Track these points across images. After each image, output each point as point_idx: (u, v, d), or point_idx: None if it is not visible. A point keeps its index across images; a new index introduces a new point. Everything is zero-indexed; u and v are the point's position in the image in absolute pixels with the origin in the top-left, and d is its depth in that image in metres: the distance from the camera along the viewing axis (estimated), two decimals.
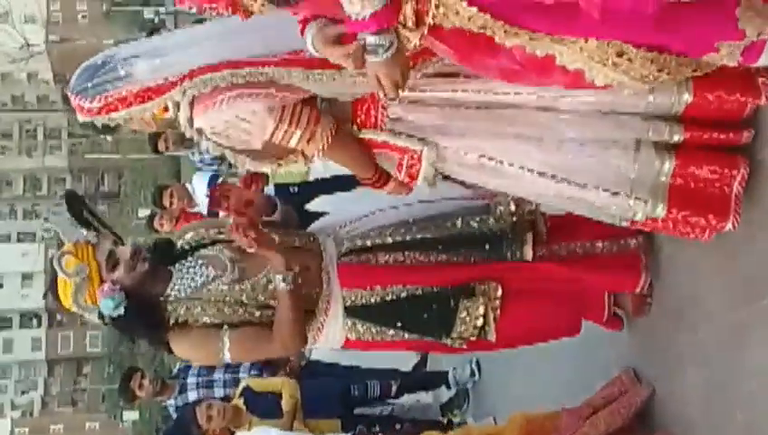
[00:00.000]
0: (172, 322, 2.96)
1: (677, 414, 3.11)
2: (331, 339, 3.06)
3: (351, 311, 3.02)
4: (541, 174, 2.65)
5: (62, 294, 2.95)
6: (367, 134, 2.74)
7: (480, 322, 3.00)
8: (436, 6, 2.17)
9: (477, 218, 3.08)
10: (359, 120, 2.74)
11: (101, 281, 2.91)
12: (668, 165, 2.58)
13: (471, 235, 3.06)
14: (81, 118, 2.70)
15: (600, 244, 3.09)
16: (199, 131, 2.67)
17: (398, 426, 5.68)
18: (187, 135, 2.71)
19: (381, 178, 2.87)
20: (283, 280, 2.88)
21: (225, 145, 2.70)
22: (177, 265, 3.04)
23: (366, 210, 3.21)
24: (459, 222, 3.08)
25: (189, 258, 3.04)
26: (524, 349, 3.66)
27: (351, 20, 2.11)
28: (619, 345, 3.47)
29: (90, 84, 2.61)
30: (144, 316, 2.94)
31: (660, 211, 2.60)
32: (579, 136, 2.62)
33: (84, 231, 3.00)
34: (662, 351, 3.21)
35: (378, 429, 5.14)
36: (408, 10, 2.17)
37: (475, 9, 2.15)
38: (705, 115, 2.56)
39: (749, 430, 2.68)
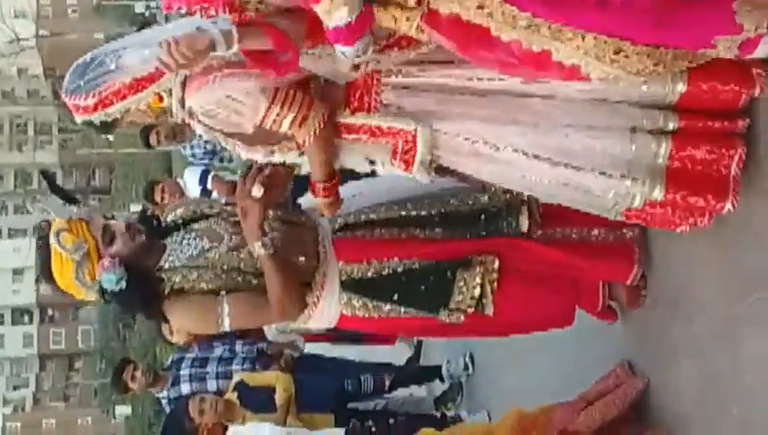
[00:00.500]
0: (168, 290, 2.94)
1: (672, 406, 3.12)
2: (326, 314, 3.04)
3: (347, 285, 3.02)
4: (536, 157, 2.63)
5: (57, 275, 2.92)
6: (360, 119, 2.72)
7: (477, 291, 2.99)
8: None
9: (471, 197, 3.09)
10: (351, 106, 2.73)
11: (99, 256, 2.90)
12: (665, 147, 2.57)
13: (466, 211, 3.08)
14: (78, 119, 2.68)
15: (595, 231, 3.10)
16: (191, 113, 2.65)
17: (391, 420, 5.66)
18: (179, 118, 2.68)
19: (331, 188, 2.87)
20: (262, 245, 2.86)
21: (216, 128, 2.67)
22: (169, 238, 3.03)
23: (358, 190, 3.20)
24: (454, 200, 3.10)
25: (181, 231, 3.04)
26: (518, 342, 3.67)
27: (330, 29, 2.14)
28: (614, 337, 3.47)
29: (81, 82, 2.59)
30: (142, 288, 2.91)
31: (658, 193, 2.58)
32: (574, 122, 2.61)
33: (75, 208, 2.97)
34: (656, 343, 3.21)
35: (371, 423, 5.13)
36: None
37: None
38: (699, 105, 2.56)
39: (744, 424, 2.68)
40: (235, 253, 2.96)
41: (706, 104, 2.55)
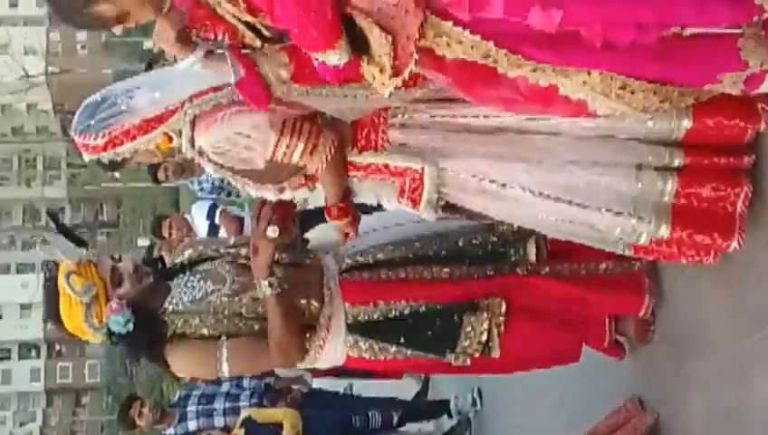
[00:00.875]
0: (170, 334, 2.94)
1: None
2: (332, 356, 3.03)
3: (353, 327, 3.00)
4: (542, 195, 2.63)
5: (66, 318, 2.92)
6: (367, 158, 2.74)
7: (484, 337, 2.98)
8: (438, 36, 2.18)
9: (480, 236, 3.10)
10: (359, 145, 2.74)
11: (108, 299, 2.90)
12: (671, 185, 2.57)
13: (474, 249, 3.08)
14: (86, 157, 2.69)
15: (603, 264, 3.08)
16: (200, 152, 2.67)
17: None
18: (188, 156, 2.70)
19: (347, 208, 2.86)
20: (269, 284, 2.85)
21: (226, 166, 2.69)
22: (175, 279, 3.03)
23: (366, 228, 3.21)
24: (461, 240, 3.10)
25: (187, 273, 3.04)
26: (527, 377, 3.66)
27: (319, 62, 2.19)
28: (622, 373, 3.45)
29: (92, 121, 2.60)
30: (148, 331, 2.92)
31: (664, 231, 2.58)
32: (579, 159, 2.61)
33: (83, 250, 2.98)
34: (665, 378, 3.19)
35: None
36: (386, 62, 2.20)
37: (478, 37, 2.16)
38: (705, 140, 2.56)
39: None
40: (236, 298, 2.96)
41: (712, 140, 2.55)
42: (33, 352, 51.53)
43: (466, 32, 2.15)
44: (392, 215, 3.29)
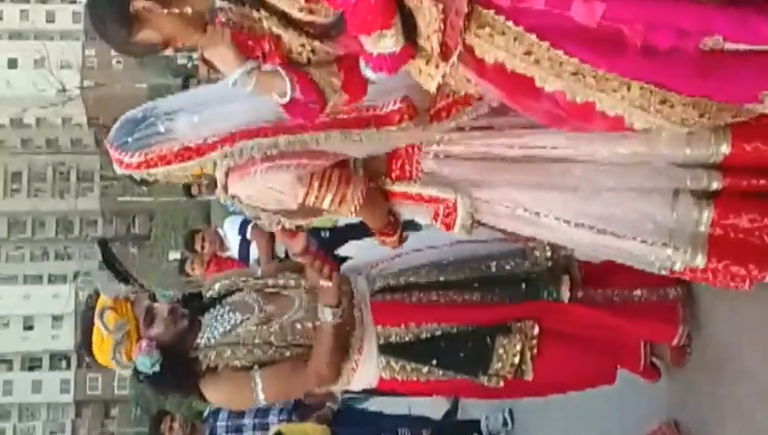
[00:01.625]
0: (203, 368, 2.95)
1: None
2: (365, 378, 3.03)
3: (386, 349, 3.01)
4: (577, 225, 2.63)
5: (96, 350, 2.95)
6: (401, 187, 2.75)
7: (517, 359, 2.98)
8: (481, 27, 2.16)
9: (512, 262, 3.08)
10: (393, 175, 2.75)
11: (139, 337, 2.91)
12: (707, 215, 2.56)
13: (506, 277, 3.06)
14: (119, 171, 2.71)
15: (638, 292, 3.06)
16: (233, 197, 2.68)
17: None
18: (222, 201, 2.73)
19: (392, 227, 2.88)
20: (332, 314, 2.87)
21: (260, 208, 2.72)
22: (206, 314, 3.04)
23: (398, 250, 3.20)
24: (494, 265, 3.08)
25: (218, 306, 3.05)
26: (559, 398, 3.63)
27: (373, 57, 2.17)
28: (658, 395, 3.42)
29: (130, 139, 2.61)
30: (175, 372, 2.93)
31: (700, 261, 2.57)
32: (615, 185, 2.60)
33: (122, 286, 3.00)
34: (702, 402, 3.16)
35: None
36: (435, 42, 2.17)
37: (521, 28, 2.14)
38: (743, 164, 2.54)
39: None
40: (265, 326, 2.97)
41: (751, 163, 2.53)
42: (64, 363, 51.91)
43: (509, 22, 2.13)
44: (424, 236, 3.29)
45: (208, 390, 2.97)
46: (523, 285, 3.03)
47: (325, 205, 2.67)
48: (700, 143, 2.51)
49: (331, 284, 2.86)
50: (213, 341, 2.96)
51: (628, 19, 2.08)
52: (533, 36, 2.14)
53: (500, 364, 2.98)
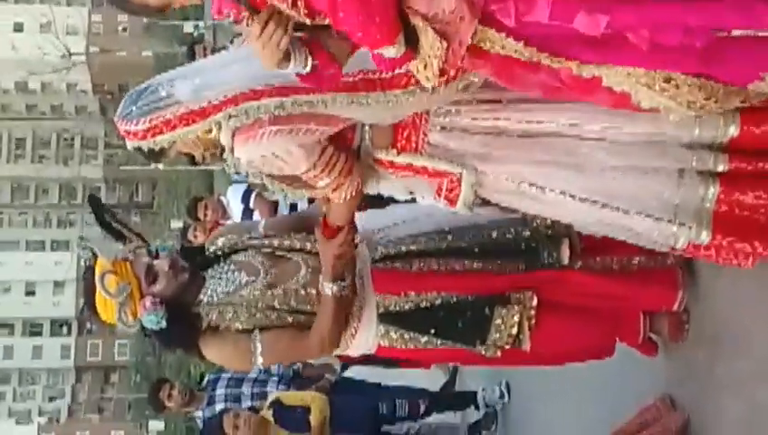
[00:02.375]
0: (204, 326, 2.96)
1: None
2: (363, 345, 3.05)
3: (385, 317, 3.01)
4: (582, 200, 2.62)
5: (101, 310, 2.95)
6: (406, 158, 2.73)
7: (515, 330, 2.98)
8: (481, 41, 2.17)
9: (513, 230, 3.08)
10: (399, 145, 2.73)
11: (141, 295, 2.91)
12: (712, 191, 2.55)
13: (507, 243, 3.07)
14: (130, 144, 2.71)
15: (636, 259, 3.06)
16: (238, 160, 2.68)
17: None
18: (228, 162, 2.70)
19: (347, 231, 2.89)
20: (338, 288, 2.89)
21: (263, 172, 2.71)
22: (210, 270, 3.04)
23: (398, 218, 3.21)
24: (495, 233, 3.09)
25: (222, 264, 3.05)
26: (556, 371, 3.64)
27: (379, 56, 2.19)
28: (654, 370, 3.43)
29: (134, 108, 2.61)
30: (181, 325, 2.94)
31: (705, 237, 2.57)
32: (620, 164, 2.60)
33: (120, 246, 2.99)
34: (698, 378, 3.17)
35: None
36: (435, 66, 2.19)
37: (521, 44, 2.15)
38: (750, 146, 2.53)
39: None
40: (270, 291, 2.97)
41: (757, 145, 2.53)
42: (65, 330, 52.18)
43: (510, 39, 2.14)
44: (423, 205, 3.28)
45: (207, 347, 2.98)
46: (523, 247, 3.05)
47: (320, 185, 2.67)
48: (709, 125, 2.51)
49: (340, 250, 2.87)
50: (215, 298, 2.97)
51: (633, 26, 2.08)
52: (534, 49, 2.16)
53: (497, 335, 2.99)
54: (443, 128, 2.70)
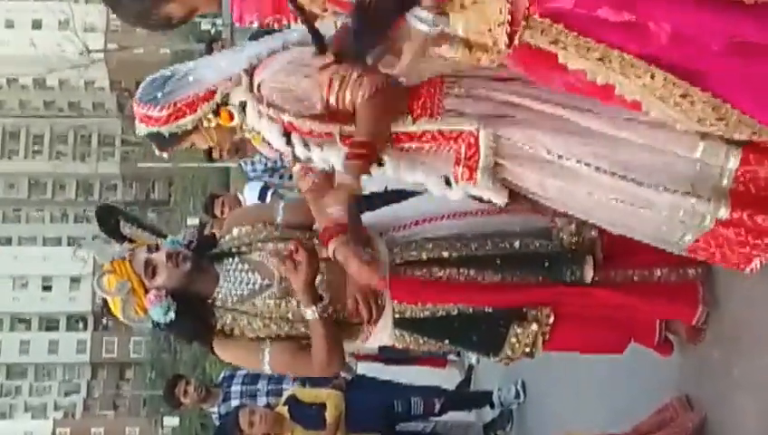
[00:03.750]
0: (218, 328, 2.98)
1: None
2: (377, 343, 3.09)
3: (400, 322, 3.01)
4: (598, 169, 2.52)
5: (114, 310, 2.98)
6: (421, 125, 2.64)
7: (528, 349, 3.01)
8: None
9: (537, 242, 3.02)
10: (414, 114, 2.65)
11: (146, 291, 2.92)
12: (731, 165, 2.44)
13: (529, 255, 3.01)
14: (143, 130, 2.73)
15: (657, 271, 3.01)
16: (260, 97, 2.64)
17: None
18: (250, 107, 2.66)
19: (372, 150, 2.69)
20: (314, 311, 2.87)
21: (285, 108, 2.65)
22: (223, 265, 3.03)
23: (422, 214, 3.15)
24: (518, 243, 3.01)
25: (236, 259, 3.03)
26: (572, 372, 3.65)
27: None
28: (671, 370, 3.42)
29: (159, 94, 2.64)
30: (193, 316, 2.95)
31: (724, 211, 2.46)
32: (637, 139, 2.52)
33: (117, 247, 3.00)
34: (715, 377, 3.16)
35: None
36: (504, 36, 2.16)
37: (548, 21, 2.13)
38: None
39: None
40: (284, 302, 2.96)
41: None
42: (81, 325, 52.41)
43: (535, 15, 2.13)
44: (442, 205, 3.25)
45: (219, 348, 3.01)
46: (546, 264, 2.98)
47: (349, 80, 2.55)
48: (712, 149, 2.44)
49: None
50: (229, 302, 2.97)
51: (657, 18, 2.07)
52: (561, 26, 2.14)
53: (510, 351, 3.01)
54: (458, 95, 2.65)
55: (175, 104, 2.62)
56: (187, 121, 2.66)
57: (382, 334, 3.02)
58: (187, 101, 2.63)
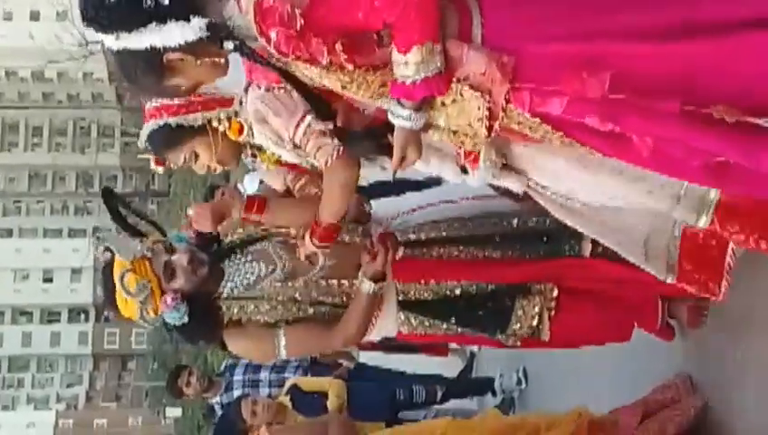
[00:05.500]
0: (226, 320, 2.97)
1: (732, 423, 3.07)
2: (383, 331, 3.06)
3: (405, 305, 3.03)
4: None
5: (122, 307, 2.93)
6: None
7: (535, 321, 3.01)
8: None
9: (535, 219, 3.06)
10: None
11: (162, 292, 2.89)
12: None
13: (528, 232, 3.05)
14: (147, 128, 2.78)
15: None
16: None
17: None
18: (247, 121, 2.65)
19: (334, 230, 2.73)
20: (373, 287, 2.86)
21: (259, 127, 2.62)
22: (227, 261, 3.03)
23: (415, 204, 3.19)
24: (516, 221, 3.07)
25: (239, 255, 3.04)
26: (573, 357, 3.65)
27: (398, 83, 2.08)
28: (672, 355, 3.43)
29: None
30: (204, 319, 2.93)
31: (714, 194, 2.39)
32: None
33: (137, 244, 2.96)
34: (717, 361, 3.17)
35: None
36: (483, 130, 2.16)
37: (537, 120, 2.12)
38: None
39: None
40: (289, 283, 2.97)
41: None
42: (82, 317, 52.46)
43: (527, 114, 2.12)
44: (440, 192, 3.25)
45: (231, 341, 2.99)
46: (545, 239, 3.02)
47: (309, 145, 2.51)
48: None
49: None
50: (236, 292, 2.97)
51: (638, 131, 2.07)
52: (549, 127, 2.14)
53: (518, 325, 3.01)
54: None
55: (190, 98, 2.63)
56: (197, 117, 2.66)
57: (387, 319, 3.02)
58: (202, 100, 2.64)
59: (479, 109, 2.12)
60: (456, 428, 3.63)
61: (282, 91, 2.48)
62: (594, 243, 2.99)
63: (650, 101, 1.99)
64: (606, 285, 3.06)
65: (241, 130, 2.68)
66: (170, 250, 2.95)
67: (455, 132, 2.24)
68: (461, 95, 2.11)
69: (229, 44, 2.12)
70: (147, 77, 2.19)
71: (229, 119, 2.71)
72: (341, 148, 2.50)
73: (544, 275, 3.02)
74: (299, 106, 2.49)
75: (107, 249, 2.96)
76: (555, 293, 3.00)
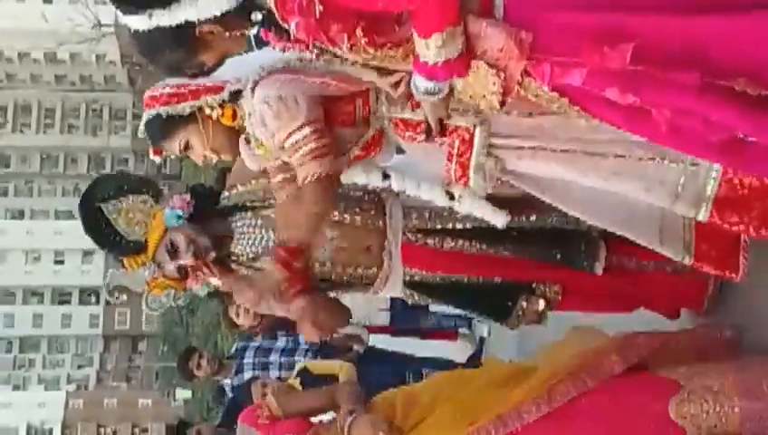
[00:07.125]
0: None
1: None
2: (388, 295, 3.20)
3: (410, 284, 3.07)
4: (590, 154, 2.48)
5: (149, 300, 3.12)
6: (420, 115, 2.56)
7: (537, 317, 3.09)
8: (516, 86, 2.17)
9: (553, 217, 2.97)
10: (413, 101, 2.55)
11: (184, 288, 3.03)
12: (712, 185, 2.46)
13: (546, 230, 2.99)
14: (145, 118, 2.80)
15: (670, 266, 3.01)
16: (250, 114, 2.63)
17: None
18: (247, 113, 2.65)
19: (302, 256, 2.57)
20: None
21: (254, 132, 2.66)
22: (235, 220, 3.05)
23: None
24: (534, 217, 2.98)
25: (249, 214, 3.04)
26: None
27: (420, 62, 2.10)
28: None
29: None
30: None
31: (714, 176, 2.44)
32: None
33: (146, 272, 3.07)
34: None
35: None
36: (495, 103, 2.18)
37: (556, 94, 2.14)
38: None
39: None
40: None
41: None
42: (93, 298, 52.68)
43: (545, 87, 2.12)
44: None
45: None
46: (559, 256, 2.99)
47: (296, 156, 2.52)
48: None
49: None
50: (244, 258, 3.01)
51: (657, 104, 2.06)
52: (565, 100, 2.16)
53: (517, 320, 3.10)
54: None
55: (180, 87, 2.65)
56: (185, 106, 2.67)
57: (393, 292, 3.11)
58: (191, 88, 2.65)
59: (494, 84, 2.14)
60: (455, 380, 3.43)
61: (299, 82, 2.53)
62: (608, 250, 3.00)
63: (670, 73, 1.99)
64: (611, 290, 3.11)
65: (234, 116, 2.68)
66: (173, 255, 2.99)
67: (471, 96, 2.27)
68: (477, 68, 2.13)
69: (257, 15, 2.15)
70: (176, 53, 2.21)
71: (221, 105, 2.69)
72: (321, 174, 2.51)
73: (552, 278, 3.06)
74: (301, 113, 2.51)
75: (118, 289, 3.17)
76: (560, 296, 3.08)
